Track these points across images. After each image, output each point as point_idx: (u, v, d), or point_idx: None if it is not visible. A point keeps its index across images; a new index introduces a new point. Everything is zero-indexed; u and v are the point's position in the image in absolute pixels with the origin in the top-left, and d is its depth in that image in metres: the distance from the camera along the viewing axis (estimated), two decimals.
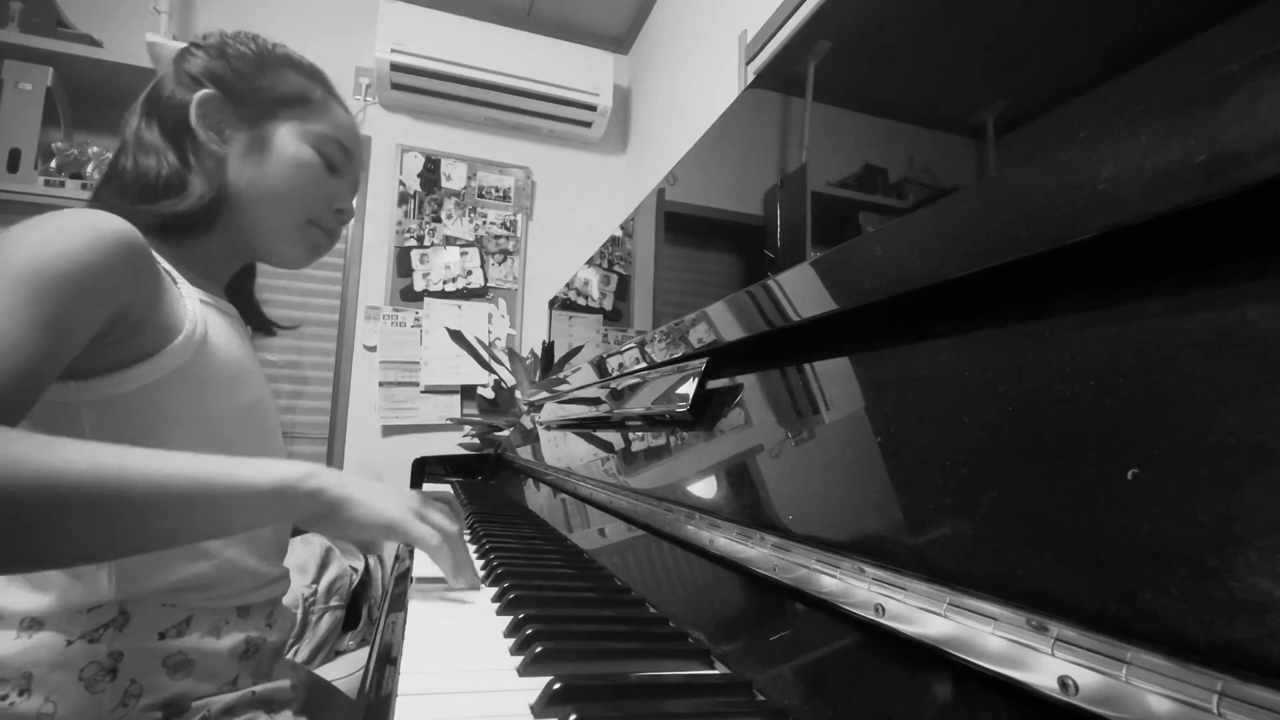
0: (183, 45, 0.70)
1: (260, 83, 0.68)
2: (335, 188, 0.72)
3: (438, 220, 2.45)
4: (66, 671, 0.50)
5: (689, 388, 0.58)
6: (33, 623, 0.51)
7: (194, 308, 0.59)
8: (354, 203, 0.77)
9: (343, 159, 0.72)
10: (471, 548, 0.78)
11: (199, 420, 0.58)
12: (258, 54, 0.69)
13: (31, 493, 0.39)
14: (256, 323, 0.78)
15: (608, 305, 1.38)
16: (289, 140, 0.68)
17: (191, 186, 0.63)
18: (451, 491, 0.73)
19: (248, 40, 0.70)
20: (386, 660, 0.43)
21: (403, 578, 0.64)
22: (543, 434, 1.24)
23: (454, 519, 0.58)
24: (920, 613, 0.28)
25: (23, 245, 0.48)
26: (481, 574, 0.66)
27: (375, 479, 2.23)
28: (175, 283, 0.59)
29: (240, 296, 0.75)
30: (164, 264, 0.58)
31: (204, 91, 0.65)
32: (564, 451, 1.02)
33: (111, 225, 0.52)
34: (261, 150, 0.67)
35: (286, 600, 0.85)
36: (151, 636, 0.54)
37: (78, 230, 0.50)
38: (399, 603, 0.56)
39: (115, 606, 0.53)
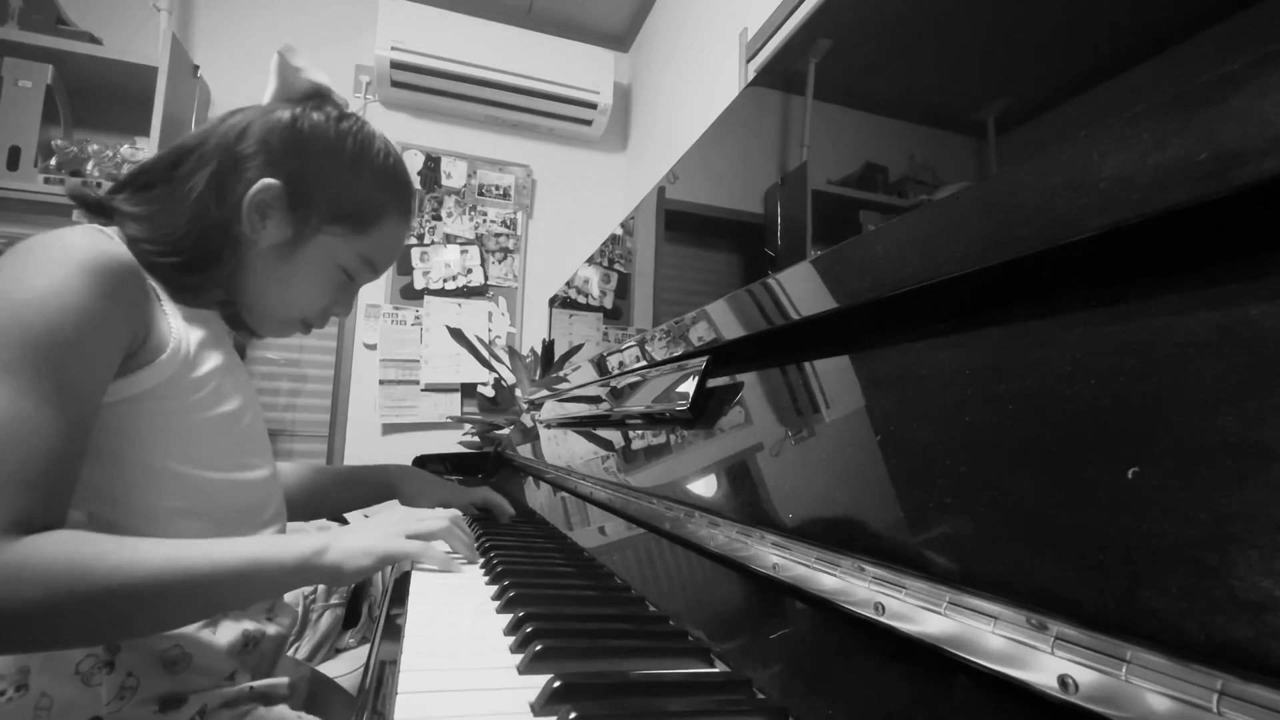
0: (315, 84, 0.67)
1: (333, 188, 0.65)
2: (342, 295, 0.71)
3: (438, 218, 2.45)
4: (63, 666, 0.50)
5: (689, 386, 0.58)
6: None
7: (177, 324, 0.59)
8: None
9: (366, 274, 0.71)
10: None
11: (181, 431, 0.58)
12: (352, 155, 0.66)
13: (108, 590, 0.45)
14: (239, 325, 0.77)
15: (608, 303, 1.38)
16: (322, 253, 0.66)
17: (216, 269, 0.62)
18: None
19: (354, 133, 0.66)
20: (386, 657, 0.43)
21: (403, 576, 0.64)
22: (543, 432, 1.24)
23: (448, 519, 0.68)
24: (920, 611, 0.28)
25: (19, 306, 0.47)
26: (482, 572, 0.66)
27: None
28: (159, 299, 0.59)
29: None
30: (149, 280, 0.58)
31: (266, 182, 0.61)
32: (564, 450, 1.02)
33: (108, 260, 0.51)
34: (291, 251, 0.65)
35: (288, 598, 0.85)
36: None
37: (75, 279, 0.49)
38: (399, 600, 0.56)
39: None
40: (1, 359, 0.45)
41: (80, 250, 0.51)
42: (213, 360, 0.61)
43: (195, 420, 0.59)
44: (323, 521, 1.54)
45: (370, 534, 0.61)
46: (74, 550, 0.45)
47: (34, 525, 0.44)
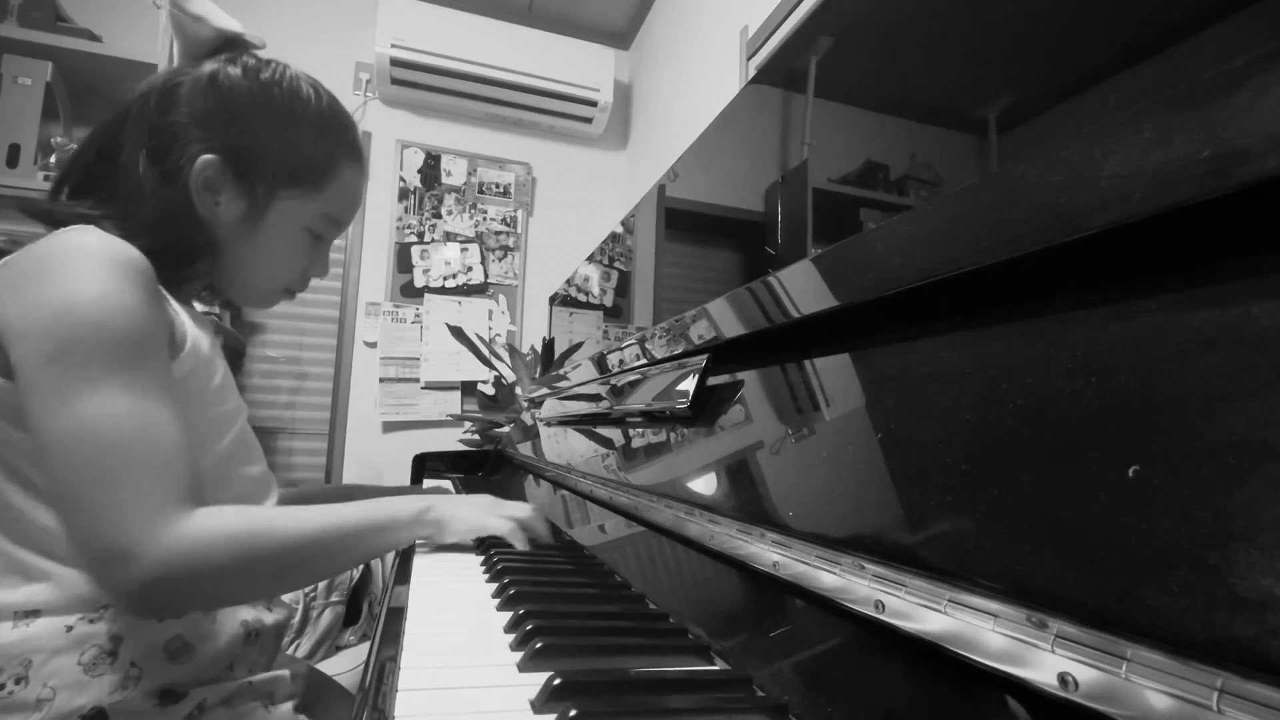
0: (221, 31, 0.63)
1: (274, 149, 0.63)
2: (316, 254, 0.71)
3: (438, 216, 2.45)
4: (67, 655, 0.50)
5: (689, 384, 0.58)
6: (29, 613, 0.51)
7: (184, 321, 0.60)
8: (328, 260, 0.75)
9: (332, 230, 0.70)
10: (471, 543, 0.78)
11: (197, 426, 0.59)
12: (284, 109, 0.63)
13: (281, 549, 0.52)
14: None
15: (608, 301, 1.38)
16: (283, 219, 0.65)
17: (193, 255, 0.62)
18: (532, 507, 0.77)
19: (279, 83, 0.64)
20: (387, 655, 0.43)
21: (403, 573, 0.64)
22: (543, 430, 1.24)
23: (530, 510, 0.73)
24: (920, 609, 0.28)
25: (83, 313, 0.48)
26: (482, 569, 0.66)
27: (375, 475, 2.23)
28: (168, 298, 0.59)
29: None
30: None
31: (205, 159, 0.60)
32: (564, 448, 1.02)
33: (135, 257, 0.53)
34: (253, 223, 0.64)
35: (287, 596, 0.85)
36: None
37: (119, 280, 0.50)
38: (399, 598, 0.56)
39: None
40: (99, 362, 0.47)
41: (108, 252, 0.52)
42: (211, 359, 0.63)
43: (205, 416, 0.61)
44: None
45: (467, 506, 0.69)
46: (242, 519, 0.50)
47: (197, 501, 0.48)
